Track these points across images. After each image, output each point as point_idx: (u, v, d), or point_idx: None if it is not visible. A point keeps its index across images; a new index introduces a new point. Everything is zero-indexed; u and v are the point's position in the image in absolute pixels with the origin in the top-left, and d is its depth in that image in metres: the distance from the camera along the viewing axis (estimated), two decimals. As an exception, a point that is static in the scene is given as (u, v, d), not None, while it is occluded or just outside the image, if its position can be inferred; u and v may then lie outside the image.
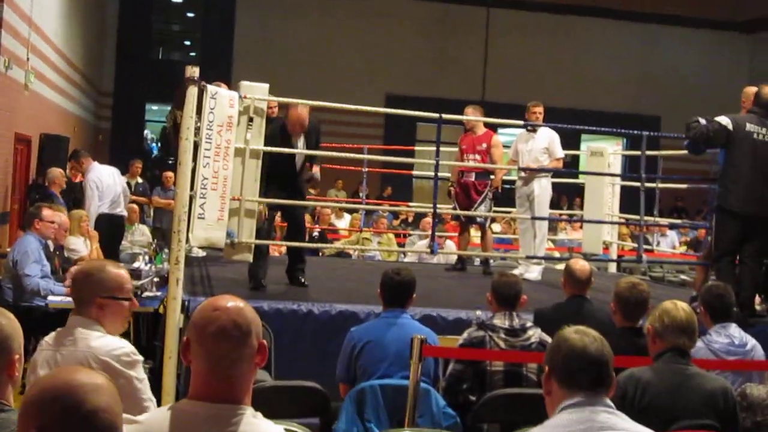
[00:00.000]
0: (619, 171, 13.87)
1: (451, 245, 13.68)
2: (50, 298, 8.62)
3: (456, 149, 11.85)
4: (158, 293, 8.65)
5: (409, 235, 15.59)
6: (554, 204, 14.72)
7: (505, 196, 12.26)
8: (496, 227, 16.59)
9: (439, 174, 9.83)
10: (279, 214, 9.45)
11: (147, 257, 9.51)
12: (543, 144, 11.08)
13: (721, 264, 8.66)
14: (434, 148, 9.71)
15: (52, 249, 9.57)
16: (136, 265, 9.22)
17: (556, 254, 15.16)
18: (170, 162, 16.12)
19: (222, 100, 7.65)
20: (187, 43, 30.89)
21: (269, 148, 8.41)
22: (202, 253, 10.67)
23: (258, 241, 8.35)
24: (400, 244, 15.53)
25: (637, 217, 10.60)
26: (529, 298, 6.55)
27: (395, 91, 26.65)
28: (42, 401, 2.36)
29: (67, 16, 18.95)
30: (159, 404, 4.67)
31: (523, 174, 11.15)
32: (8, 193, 14.24)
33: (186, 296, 7.45)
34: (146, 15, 27.69)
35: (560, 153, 11.17)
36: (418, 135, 25.53)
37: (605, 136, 25.92)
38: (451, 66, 27.29)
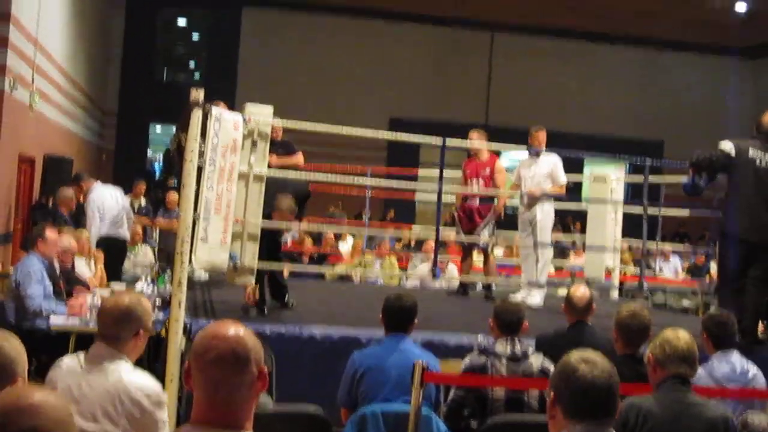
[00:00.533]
0: (622, 196, 13.84)
1: (453, 269, 13.67)
2: (52, 319, 8.60)
3: (459, 173, 11.87)
4: (160, 316, 8.64)
5: (412, 258, 15.58)
6: (565, 227, 14.82)
7: (508, 221, 12.26)
8: (499, 252, 16.57)
9: (443, 199, 9.84)
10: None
11: (149, 279, 9.51)
12: (546, 169, 11.08)
13: (724, 291, 8.65)
14: (437, 171, 9.71)
15: (58, 270, 9.57)
16: (138, 286, 9.23)
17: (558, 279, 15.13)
18: (173, 184, 16.13)
19: (226, 123, 7.67)
20: (192, 64, 30.97)
21: (274, 173, 8.42)
22: (204, 276, 10.67)
23: (260, 264, 8.35)
24: (403, 268, 15.52)
25: (640, 242, 10.59)
26: (531, 324, 6.55)
27: (399, 114, 26.69)
28: None
29: (72, 36, 19.01)
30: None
31: (525, 199, 11.16)
32: (11, 214, 14.26)
33: (188, 319, 7.44)
34: (151, 36, 27.77)
35: (563, 179, 11.17)
36: (422, 158, 25.51)
37: (608, 161, 25.92)
38: (455, 89, 27.34)
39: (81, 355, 4.31)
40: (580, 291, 6.94)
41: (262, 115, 8.21)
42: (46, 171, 15.55)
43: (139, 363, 8.45)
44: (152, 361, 8.57)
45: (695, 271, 16.87)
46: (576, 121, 27.13)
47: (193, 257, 7.46)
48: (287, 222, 8.94)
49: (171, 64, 30.55)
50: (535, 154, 11.18)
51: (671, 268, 18.02)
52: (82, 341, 7.44)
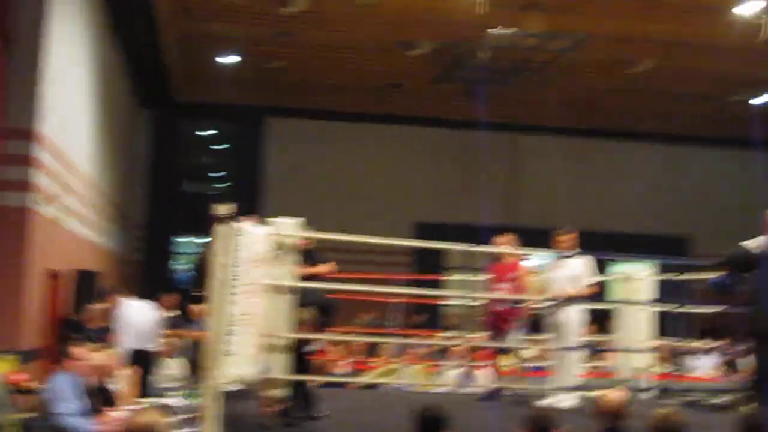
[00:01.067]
0: (650, 294, 13.78)
1: (483, 374, 13.59)
2: (78, 438, 8.57)
3: (484, 276, 11.87)
4: (192, 431, 8.59)
5: (441, 365, 15.50)
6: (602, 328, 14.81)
7: (537, 323, 12.21)
8: (529, 354, 16.47)
9: (470, 303, 9.84)
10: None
11: (180, 393, 9.49)
12: (572, 271, 11.09)
13: (760, 389, 8.56)
14: (463, 276, 9.72)
15: (94, 387, 9.56)
16: (168, 401, 9.21)
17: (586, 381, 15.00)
18: (197, 294, 16.17)
19: (253, 236, 7.73)
20: (217, 175, 31.21)
21: (301, 284, 8.45)
22: (236, 388, 10.64)
23: (291, 377, 8.33)
24: (432, 374, 15.43)
25: (671, 340, 10.53)
26: (564, 429, 6.48)
27: (424, 219, 26.76)
28: None
29: (99, 151, 19.22)
30: None
31: (553, 301, 11.13)
32: (41, 329, 14.28)
33: (219, 433, 7.41)
34: (176, 148, 28.04)
35: (587, 281, 11.13)
36: (448, 262, 25.53)
37: (635, 260, 25.82)
38: (478, 192, 27.36)
39: None
40: (612, 396, 6.88)
41: (288, 227, 8.27)
42: (76, 286, 15.60)
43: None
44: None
45: (731, 367, 16.67)
46: (601, 220, 27.09)
47: (221, 371, 7.45)
48: (312, 333, 8.95)
49: (196, 176, 30.77)
50: (561, 256, 11.18)
51: (706, 365, 17.84)
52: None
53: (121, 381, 11.38)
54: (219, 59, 23.87)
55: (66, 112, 15.20)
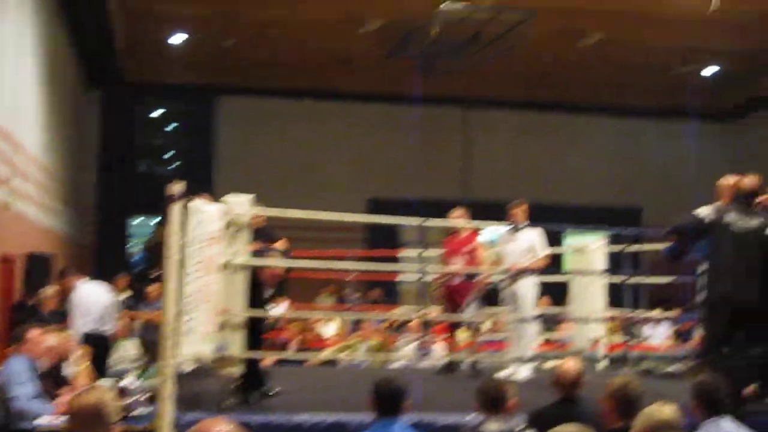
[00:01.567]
0: (603, 265, 13.90)
1: (439, 348, 13.65)
2: (39, 420, 8.51)
3: (439, 250, 11.92)
4: (148, 410, 8.56)
5: (397, 339, 15.54)
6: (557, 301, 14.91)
7: (492, 296, 12.27)
8: (484, 327, 16.56)
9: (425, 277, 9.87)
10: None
11: (135, 373, 9.45)
12: (526, 244, 11.17)
13: (711, 356, 8.66)
14: (419, 251, 9.73)
15: (47, 369, 9.50)
16: (123, 382, 9.16)
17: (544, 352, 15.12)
18: (153, 276, 16.11)
19: (206, 215, 7.70)
20: (169, 155, 31.02)
21: (256, 261, 8.44)
22: (191, 368, 10.61)
23: (246, 354, 8.32)
24: (389, 349, 15.46)
25: (624, 311, 10.62)
26: (522, 399, 6.52)
27: (378, 195, 26.78)
28: None
29: (48, 132, 19.05)
30: None
31: (507, 274, 11.19)
32: (-7, 314, 14.18)
33: (176, 413, 7.38)
34: (128, 128, 27.81)
35: (544, 251, 11.23)
36: (402, 237, 25.57)
37: (588, 231, 25.99)
38: (432, 167, 27.42)
39: None
40: (568, 365, 6.93)
41: (241, 205, 8.24)
42: (28, 269, 15.48)
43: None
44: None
45: (684, 336, 16.87)
46: (555, 193, 27.24)
47: (178, 350, 7.43)
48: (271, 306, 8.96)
49: (148, 157, 30.57)
50: (514, 229, 11.25)
51: (659, 334, 18.03)
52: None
53: (77, 363, 11.32)
54: (168, 38, 23.71)
55: (12, 93, 15.03)
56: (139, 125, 28.98)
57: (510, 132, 28.61)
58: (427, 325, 13.64)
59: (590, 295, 12.69)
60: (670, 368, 14.90)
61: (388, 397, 6.13)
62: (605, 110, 28.60)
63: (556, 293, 19.27)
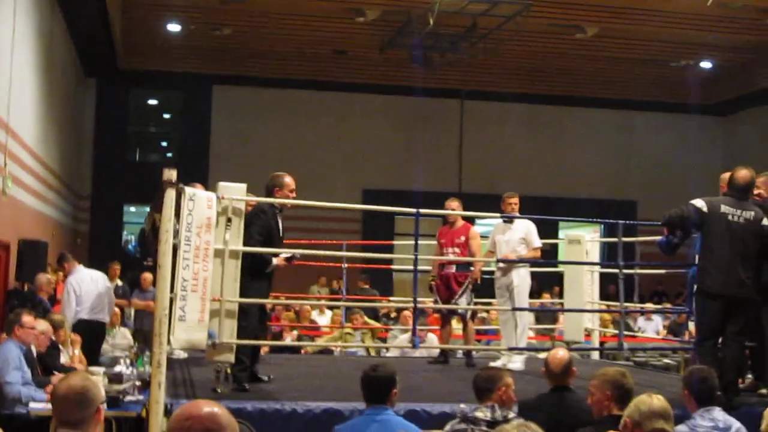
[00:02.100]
0: (597, 258, 13.93)
1: (433, 338, 13.67)
2: (31, 405, 8.52)
3: (434, 242, 11.93)
4: (140, 397, 8.57)
5: (391, 329, 15.57)
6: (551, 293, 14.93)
7: (486, 287, 12.29)
8: (478, 318, 16.60)
9: (419, 267, 9.87)
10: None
11: (128, 361, 9.45)
12: (520, 234, 11.19)
13: (704, 347, 8.68)
14: (413, 242, 9.73)
15: (35, 355, 9.52)
16: (117, 369, 9.17)
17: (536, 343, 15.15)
18: (148, 264, 16.13)
19: (200, 201, 7.70)
20: (164, 144, 31.03)
21: (249, 248, 8.44)
22: (183, 355, 10.63)
23: (239, 341, 8.32)
24: (383, 339, 15.50)
25: (617, 303, 10.63)
26: (515, 389, 6.52)
27: (372, 186, 26.78)
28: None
29: (43, 120, 19.05)
30: None
31: (501, 265, 11.20)
32: (-14, 301, 14.19)
33: (168, 399, 7.39)
34: (123, 117, 27.83)
35: (537, 242, 11.26)
36: (397, 228, 25.60)
37: (582, 224, 26.05)
38: (427, 159, 27.44)
39: None
40: (559, 355, 6.94)
41: (235, 192, 8.24)
42: (22, 255, 15.48)
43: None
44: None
45: (676, 329, 16.90)
46: (549, 185, 27.30)
47: (171, 337, 7.44)
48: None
49: (143, 145, 30.58)
50: (508, 219, 11.27)
51: (652, 327, 18.07)
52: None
53: (70, 349, 11.34)
54: (164, 27, 23.68)
55: (8, 80, 15.01)
56: (134, 114, 28.99)
57: (505, 124, 28.61)
58: (420, 314, 13.66)
59: (584, 286, 12.70)
60: (664, 360, 14.97)
61: (376, 385, 6.14)
62: (600, 103, 28.62)
63: (552, 286, 19.37)
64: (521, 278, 11.14)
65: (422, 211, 9.59)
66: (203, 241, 7.65)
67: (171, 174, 7.36)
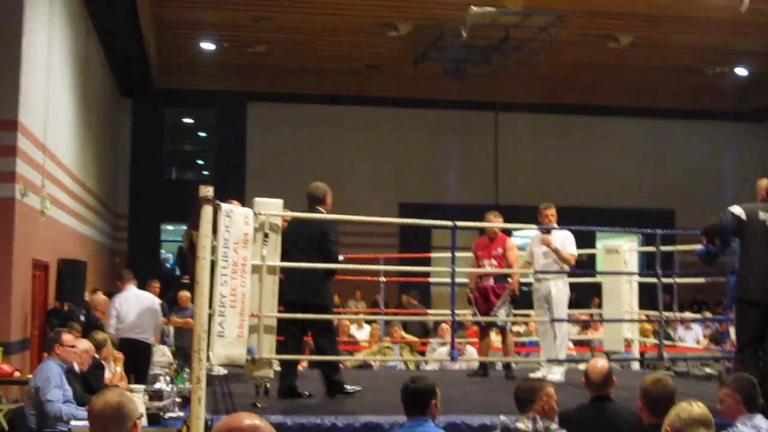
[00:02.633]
0: (636, 267, 13.85)
1: (472, 351, 13.62)
2: (73, 423, 8.56)
3: (471, 254, 11.91)
4: (181, 413, 8.60)
5: (430, 342, 15.53)
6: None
7: (524, 299, 12.25)
8: (518, 329, 16.53)
9: (457, 280, 9.84)
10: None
11: (168, 378, 9.48)
12: (557, 245, 11.12)
13: (745, 355, 8.60)
14: (449, 254, 9.71)
15: (78, 373, 9.58)
16: (157, 386, 9.20)
17: (575, 354, 15.07)
18: (186, 281, 16.20)
19: (237, 218, 7.72)
20: (200, 162, 31.18)
21: (285, 264, 8.46)
22: (223, 371, 10.65)
23: (278, 356, 8.34)
24: (422, 352, 15.47)
25: (657, 313, 10.56)
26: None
27: (408, 199, 26.81)
28: None
29: (80, 140, 19.20)
30: None
31: (539, 276, 11.16)
32: (28, 320, 14.27)
33: (209, 415, 7.41)
34: (159, 136, 28.02)
35: (573, 251, 11.19)
36: (433, 242, 25.57)
37: (620, 234, 25.93)
38: (463, 171, 27.46)
39: None
40: (599, 365, 6.89)
41: (271, 208, 8.26)
42: (61, 275, 15.59)
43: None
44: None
45: (717, 338, 16.75)
46: (585, 195, 27.22)
47: (210, 353, 7.46)
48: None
49: (179, 163, 30.77)
50: (545, 231, 11.22)
51: (693, 336, 17.92)
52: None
53: (112, 366, 11.39)
54: (198, 46, 23.83)
55: (45, 101, 15.14)
56: (170, 133, 29.16)
57: (540, 135, 28.56)
58: (459, 327, 13.63)
59: (623, 296, 12.63)
60: (705, 370, 14.82)
61: (415, 397, 6.13)
62: (635, 112, 28.52)
63: (589, 295, 19.28)
64: (559, 289, 11.08)
65: (459, 223, 9.57)
66: (241, 257, 7.67)
67: (207, 191, 7.38)
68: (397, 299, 23.05)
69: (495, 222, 11.50)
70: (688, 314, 17.62)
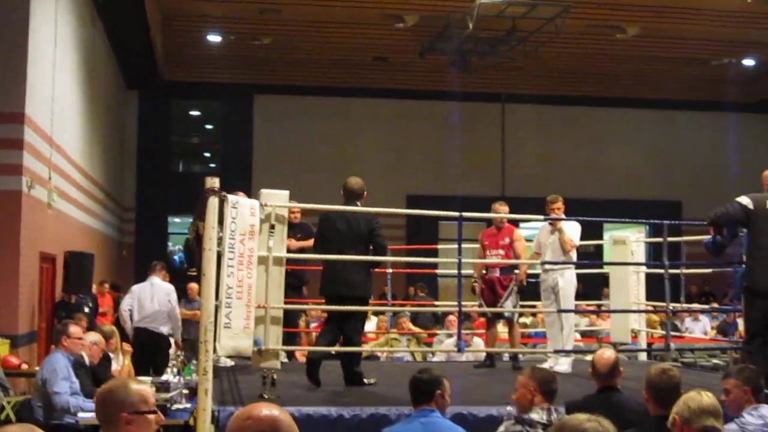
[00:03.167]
0: (643, 258, 13.85)
1: (478, 342, 13.61)
2: (80, 415, 8.58)
3: (478, 245, 11.89)
4: (188, 405, 8.61)
5: (437, 334, 15.53)
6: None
7: (531, 290, 12.24)
8: (526, 320, 16.52)
9: (463, 271, 9.83)
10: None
11: (175, 369, 9.50)
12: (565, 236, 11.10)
13: (753, 345, 8.58)
14: (456, 246, 9.70)
15: (87, 365, 9.61)
16: (164, 377, 9.22)
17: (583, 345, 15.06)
18: (194, 273, 16.20)
19: (243, 209, 7.71)
20: (207, 154, 31.19)
21: (292, 255, 8.45)
22: (230, 363, 10.65)
23: (285, 348, 8.34)
24: (429, 344, 15.46)
25: (664, 304, 10.54)
26: (561, 390, 6.49)
27: (415, 191, 26.78)
28: None
29: (87, 133, 19.21)
30: None
31: (546, 267, 11.15)
32: (35, 312, 14.30)
33: (216, 407, 7.42)
34: (165, 128, 28.00)
35: (575, 240, 11.14)
36: (441, 234, 25.55)
37: (627, 225, 25.90)
38: (470, 163, 27.41)
39: None
40: (605, 355, 6.89)
41: (278, 199, 8.26)
42: (68, 268, 15.61)
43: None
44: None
45: (725, 329, 16.74)
46: (593, 187, 27.17)
47: (217, 344, 7.46)
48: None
49: (186, 156, 30.78)
50: (552, 221, 11.20)
51: (700, 327, 17.90)
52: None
53: (120, 359, 11.42)
54: (205, 38, 23.82)
55: (51, 94, 15.16)
56: (177, 125, 29.15)
57: (547, 127, 28.51)
58: (466, 318, 13.62)
59: (630, 287, 12.61)
60: (712, 361, 14.81)
61: (422, 387, 6.15)
62: (642, 103, 28.46)
63: (597, 286, 19.25)
64: (566, 280, 11.06)
65: (465, 214, 9.55)
66: (247, 249, 7.66)
67: (213, 182, 7.39)
68: (404, 291, 23.05)
69: (501, 212, 11.48)
70: (695, 305, 17.57)
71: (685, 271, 12.06)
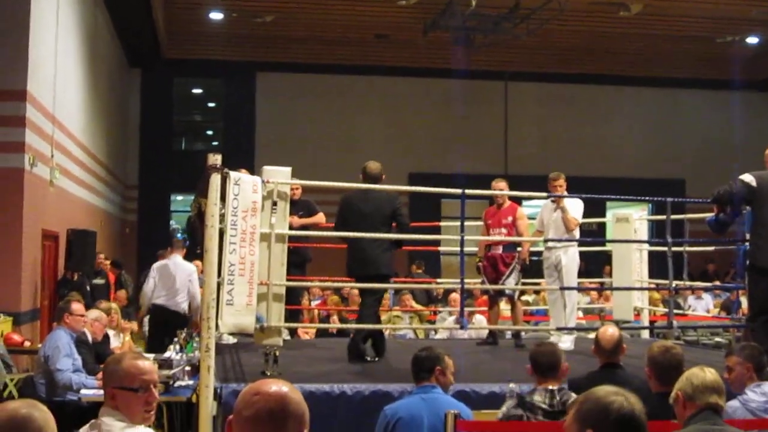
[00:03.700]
0: (646, 236, 13.82)
1: (481, 319, 13.60)
2: (83, 391, 8.59)
3: (481, 223, 11.87)
4: (190, 382, 8.63)
5: (439, 311, 15.53)
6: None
7: (534, 268, 12.22)
8: (528, 298, 16.52)
9: (466, 249, 9.82)
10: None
11: (178, 346, 9.51)
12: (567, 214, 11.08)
13: (756, 323, 8.57)
14: (459, 224, 9.68)
15: (90, 342, 9.62)
16: (167, 354, 9.23)
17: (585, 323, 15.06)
18: (197, 251, 16.20)
19: (245, 185, 7.70)
20: (210, 132, 31.15)
21: (294, 232, 8.44)
22: (232, 340, 10.66)
23: (287, 325, 8.34)
24: (431, 321, 15.46)
25: (666, 281, 10.53)
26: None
27: (418, 169, 26.72)
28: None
29: (89, 111, 19.18)
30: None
31: (549, 245, 11.14)
32: (38, 290, 14.31)
33: (218, 384, 7.42)
34: (168, 107, 27.95)
35: (578, 217, 11.13)
36: (443, 211, 25.51)
37: (630, 203, 25.87)
38: (473, 141, 27.36)
39: (93, 421, 4.25)
40: (609, 332, 6.88)
41: (280, 176, 8.24)
42: (71, 245, 15.61)
43: (172, 430, 8.52)
44: (184, 427, 8.56)
45: (729, 307, 16.74)
46: (596, 165, 27.13)
47: (219, 321, 7.46)
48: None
49: (188, 134, 30.73)
50: (555, 200, 11.18)
51: (702, 305, 17.89)
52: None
53: (121, 336, 11.43)
54: (207, 15, 23.76)
55: (53, 72, 15.13)
56: (179, 103, 29.08)
57: (550, 105, 28.45)
58: (468, 296, 13.61)
59: (633, 264, 12.60)
60: (715, 339, 14.82)
61: (422, 364, 6.16)
62: (646, 82, 28.37)
63: (600, 264, 19.25)
64: (569, 258, 11.06)
65: (468, 191, 9.53)
66: (249, 225, 7.65)
67: (215, 159, 7.37)
68: (406, 269, 23.04)
69: (502, 190, 11.45)
70: (698, 283, 17.55)
71: (688, 248, 12.04)
